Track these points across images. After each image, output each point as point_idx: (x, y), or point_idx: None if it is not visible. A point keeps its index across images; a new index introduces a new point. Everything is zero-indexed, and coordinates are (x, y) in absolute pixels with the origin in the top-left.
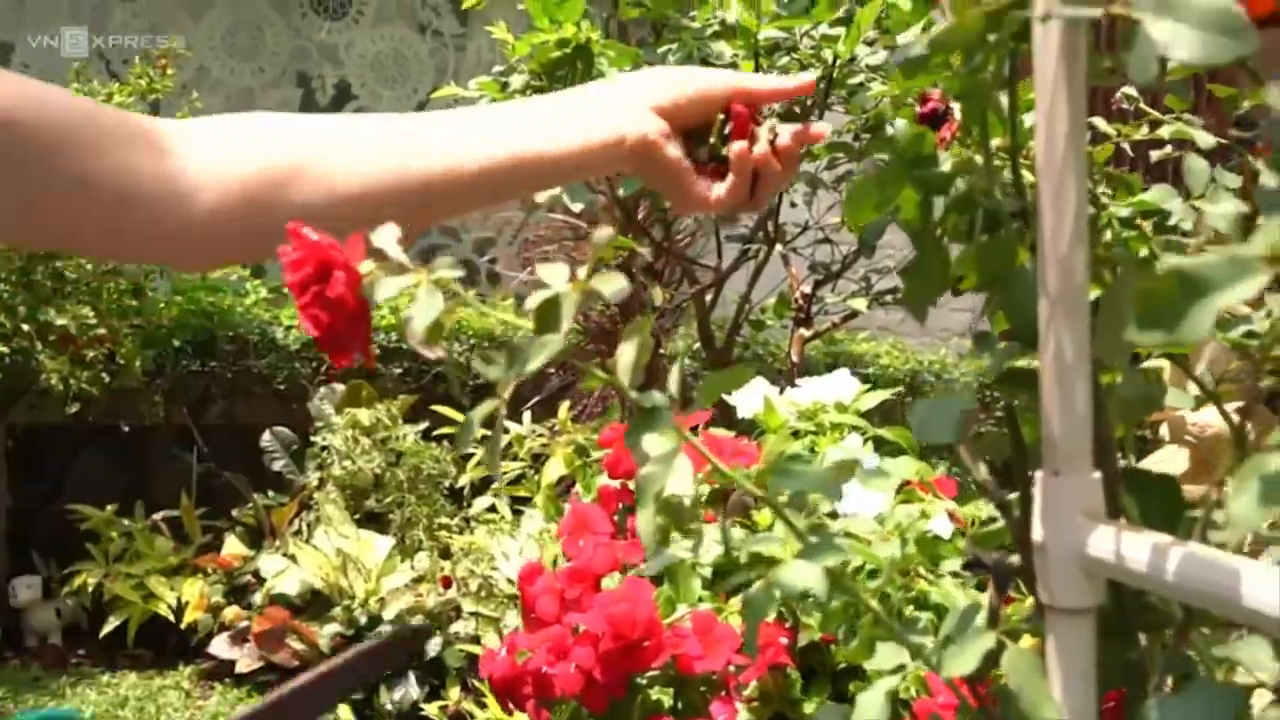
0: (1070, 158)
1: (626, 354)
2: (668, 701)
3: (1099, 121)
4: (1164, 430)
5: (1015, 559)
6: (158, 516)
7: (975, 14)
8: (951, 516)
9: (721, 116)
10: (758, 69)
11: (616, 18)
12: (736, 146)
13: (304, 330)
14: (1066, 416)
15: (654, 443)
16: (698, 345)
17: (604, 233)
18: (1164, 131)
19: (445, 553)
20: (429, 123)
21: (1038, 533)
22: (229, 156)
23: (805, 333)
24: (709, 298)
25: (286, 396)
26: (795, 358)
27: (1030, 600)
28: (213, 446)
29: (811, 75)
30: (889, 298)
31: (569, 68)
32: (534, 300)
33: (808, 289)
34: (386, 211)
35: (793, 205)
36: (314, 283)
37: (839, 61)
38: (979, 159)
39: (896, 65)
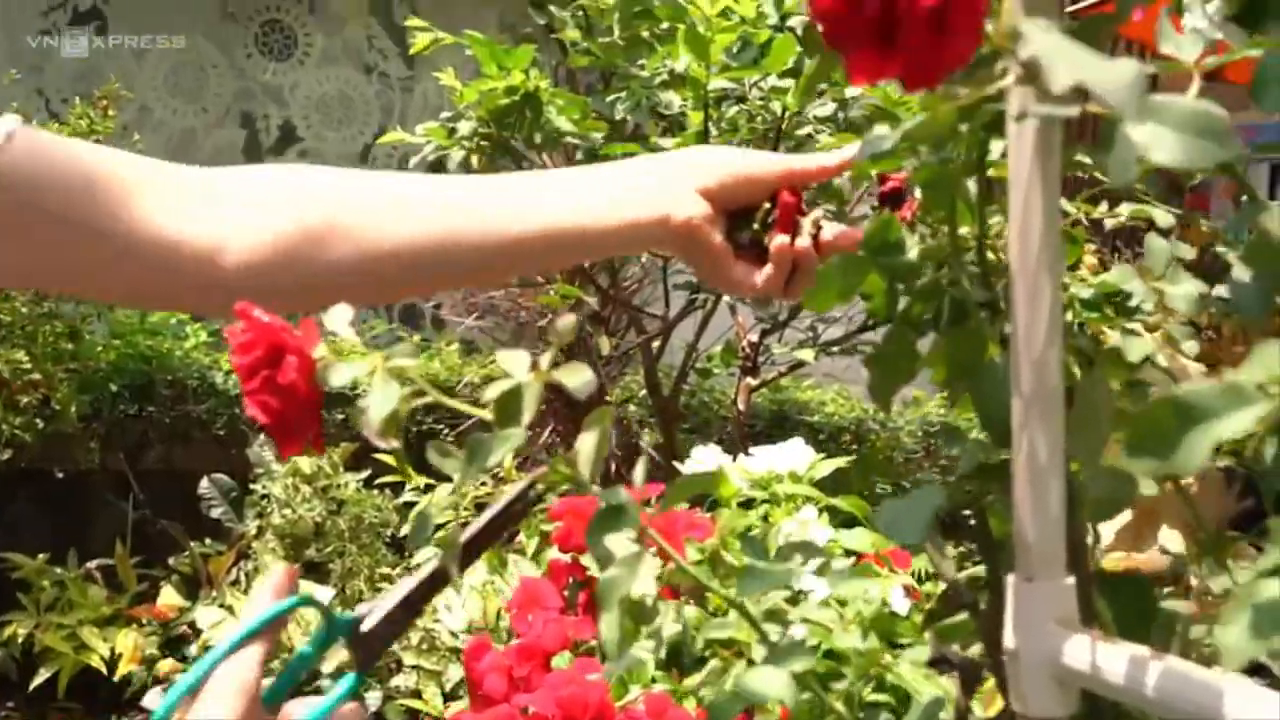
0: (1045, 256)
1: (586, 445)
2: None
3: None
4: None
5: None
6: (91, 565)
7: (948, 109)
8: (908, 591)
9: (767, 205)
10: (706, 119)
11: (565, 65)
12: (779, 240)
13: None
14: (1040, 520)
15: (618, 543)
16: (644, 393)
17: (567, 320)
18: (1123, 210)
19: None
20: (475, 187)
21: (1010, 640)
22: (262, 211)
23: (752, 381)
24: (656, 346)
25: (226, 442)
26: (742, 406)
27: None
28: (149, 493)
29: (853, 149)
30: (835, 348)
31: (518, 115)
32: (494, 391)
33: (754, 338)
34: (425, 273)
35: None
36: (264, 367)
37: (788, 113)
38: (945, 247)
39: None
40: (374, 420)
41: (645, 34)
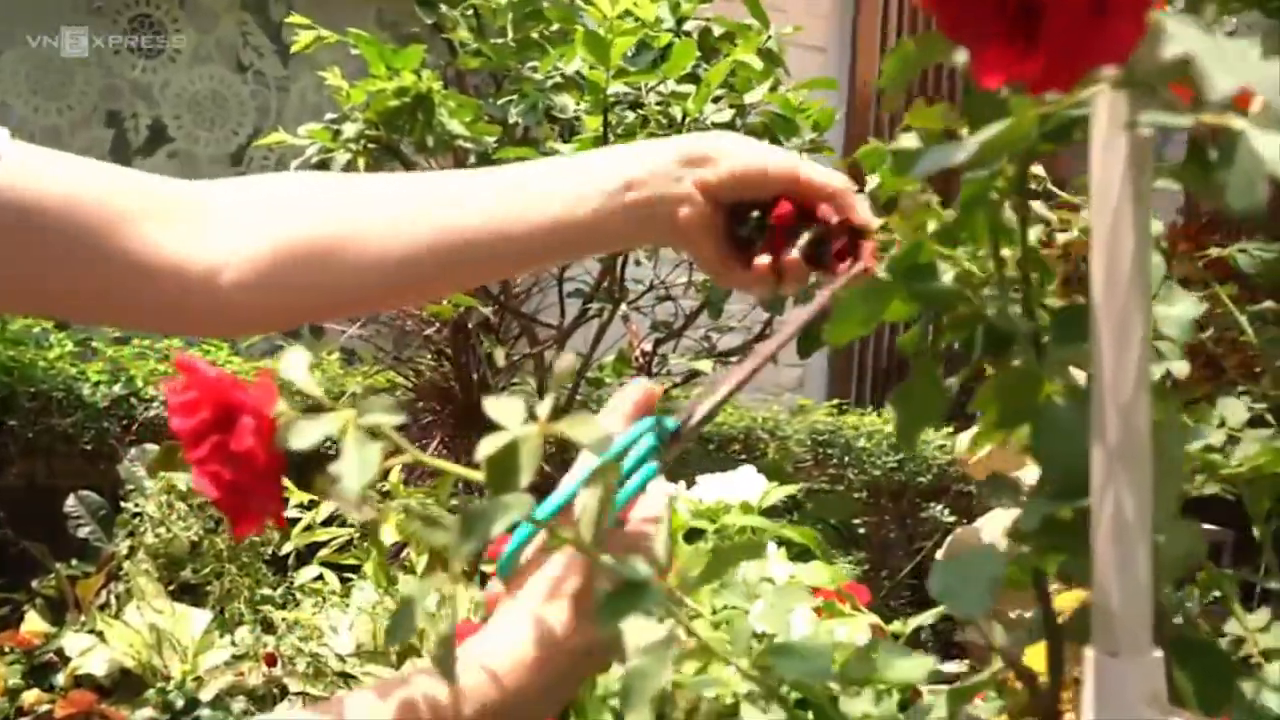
0: (1135, 288)
1: (589, 507)
2: None
3: (1039, 206)
4: None
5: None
6: None
7: (1032, 116)
8: (876, 630)
9: (758, 214)
10: (605, 125)
11: (453, 66)
12: (760, 260)
13: (113, 388)
14: (1127, 587)
15: (643, 630)
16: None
17: (566, 361)
18: None
19: (269, 627)
20: (476, 183)
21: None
22: (262, 228)
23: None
24: (550, 356)
25: (94, 457)
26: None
27: None
28: (10, 511)
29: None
30: (733, 358)
31: (408, 117)
32: (487, 447)
33: (648, 347)
34: (431, 279)
35: (637, 263)
36: (212, 431)
37: (687, 119)
38: (982, 273)
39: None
40: (351, 490)
41: (536, 35)
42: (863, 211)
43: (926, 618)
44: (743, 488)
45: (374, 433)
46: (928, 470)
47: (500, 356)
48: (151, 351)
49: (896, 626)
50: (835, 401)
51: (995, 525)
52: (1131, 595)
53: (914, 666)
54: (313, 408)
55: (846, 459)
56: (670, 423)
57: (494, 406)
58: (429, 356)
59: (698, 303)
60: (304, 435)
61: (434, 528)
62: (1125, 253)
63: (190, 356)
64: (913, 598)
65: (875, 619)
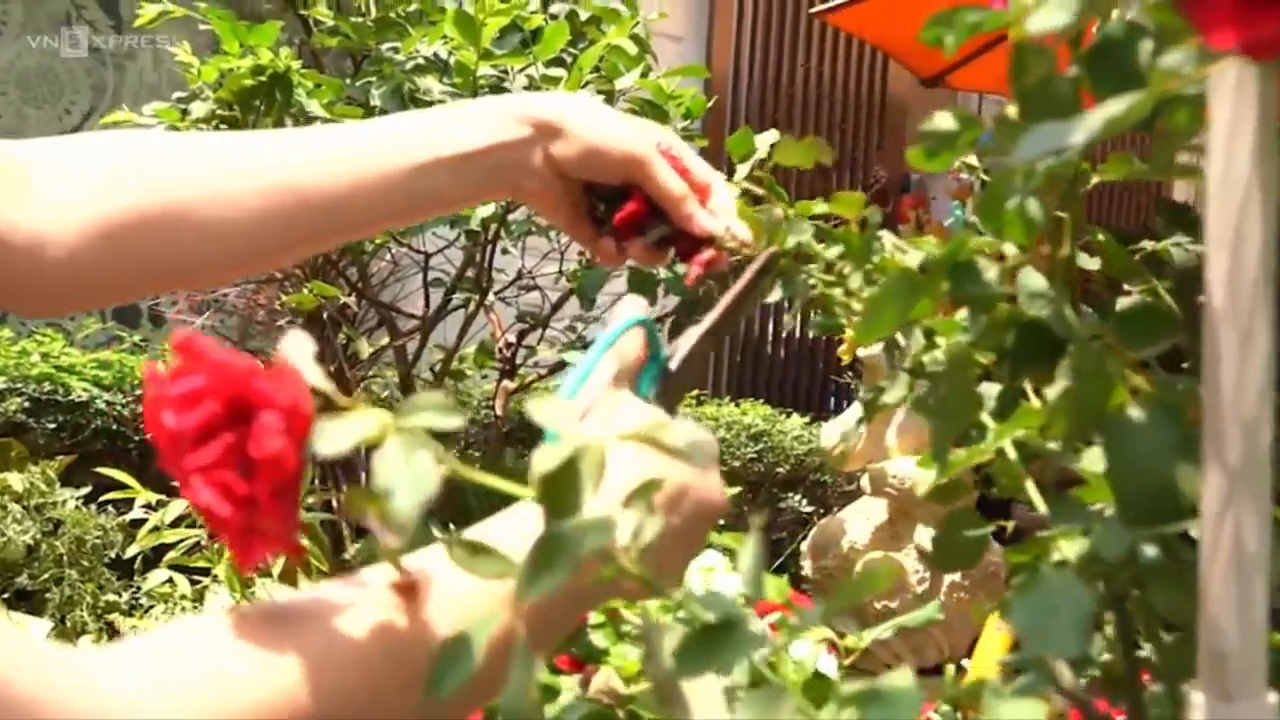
0: (1261, 290)
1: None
2: None
3: None
4: (865, 481)
5: None
6: None
7: (1152, 94)
8: (831, 646)
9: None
10: None
11: (309, 46)
12: (604, 245)
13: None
14: (1245, 624)
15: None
16: (388, 396)
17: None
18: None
19: (115, 635)
20: (320, 136)
21: None
22: (86, 192)
23: (510, 384)
24: (414, 347)
25: None
26: (499, 410)
27: None
28: None
29: (727, 195)
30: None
31: (264, 97)
32: (543, 464)
33: (512, 338)
34: (268, 248)
35: (504, 252)
36: (223, 429)
37: None
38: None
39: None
40: (403, 514)
41: (395, 15)
42: (703, 221)
43: (882, 630)
44: None
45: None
46: (786, 460)
47: (365, 348)
48: None
49: (850, 641)
50: (695, 392)
51: (858, 515)
52: (1249, 634)
53: (908, 699)
54: (324, 406)
55: None
56: (662, 355)
57: (536, 408)
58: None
59: (564, 292)
60: (333, 439)
61: (484, 557)
62: (1252, 251)
63: (192, 336)
64: None
65: (829, 634)
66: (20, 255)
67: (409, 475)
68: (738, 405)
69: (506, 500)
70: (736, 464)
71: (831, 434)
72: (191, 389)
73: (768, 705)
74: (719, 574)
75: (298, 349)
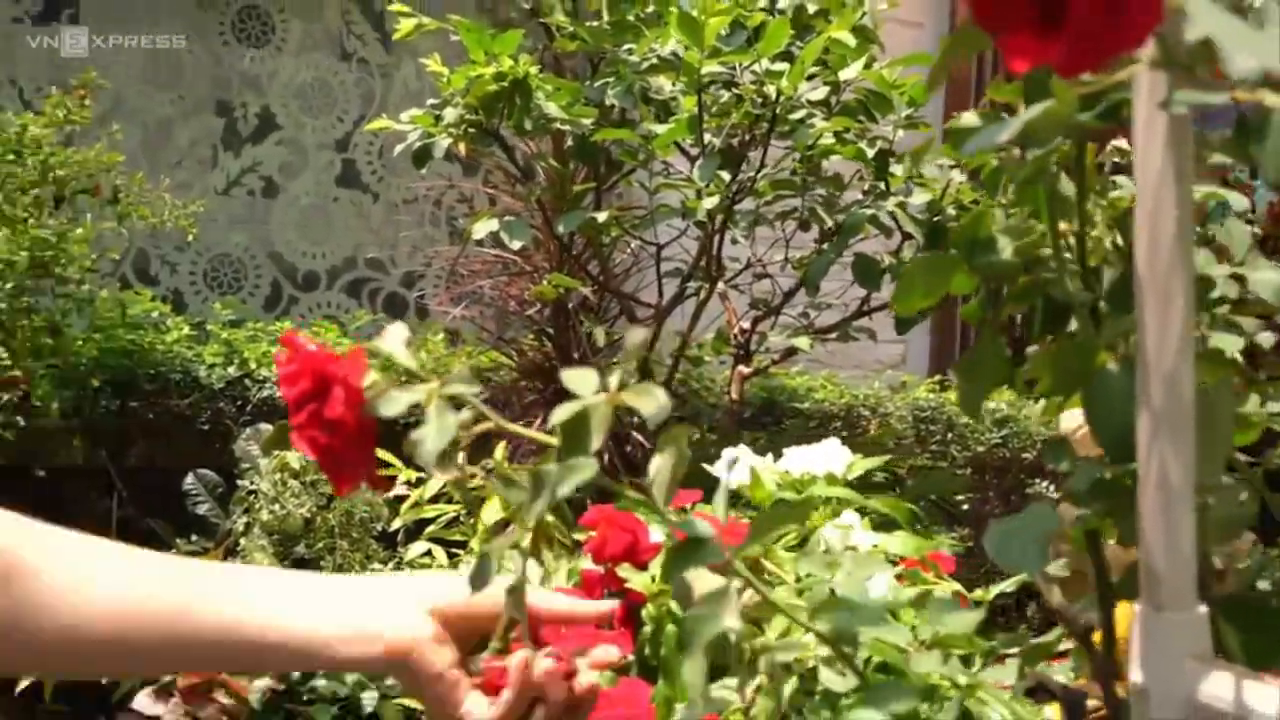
0: (1177, 257)
1: (662, 470)
2: None
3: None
4: None
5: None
6: None
7: (1071, 97)
8: (959, 598)
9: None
10: (700, 105)
11: (551, 50)
12: (516, 658)
13: (228, 370)
14: (1171, 547)
15: (703, 579)
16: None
17: (636, 335)
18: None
19: None
20: (189, 573)
21: (1136, 675)
22: None
23: (745, 369)
24: (648, 334)
25: (210, 437)
26: (735, 394)
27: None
28: (133, 490)
29: (611, 604)
30: (831, 335)
31: (506, 102)
32: (560, 414)
33: (746, 325)
34: (127, 657)
35: (734, 241)
36: (310, 400)
37: (781, 97)
38: (1042, 242)
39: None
40: (430, 453)
41: (631, 18)
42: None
43: (1008, 585)
44: (828, 459)
45: (459, 403)
46: (1032, 446)
47: (601, 336)
48: (264, 334)
49: (979, 594)
50: (937, 378)
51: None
52: (1175, 554)
53: (965, 620)
54: (408, 379)
55: (949, 435)
56: None
57: (570, 377)
58: (530, 337)
59: (795, 280)
60: (393, 404)
61: (512, 488)
62: (1168, 225)
63: (293, 333)
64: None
65: (957, 586)
66: None
67: (437, 427)
68: None
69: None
70: (980, 449)
71: (1071, 416)
72: (290, 371)
73: (717, 606)
74: (855, 530)
75: (393, 336)
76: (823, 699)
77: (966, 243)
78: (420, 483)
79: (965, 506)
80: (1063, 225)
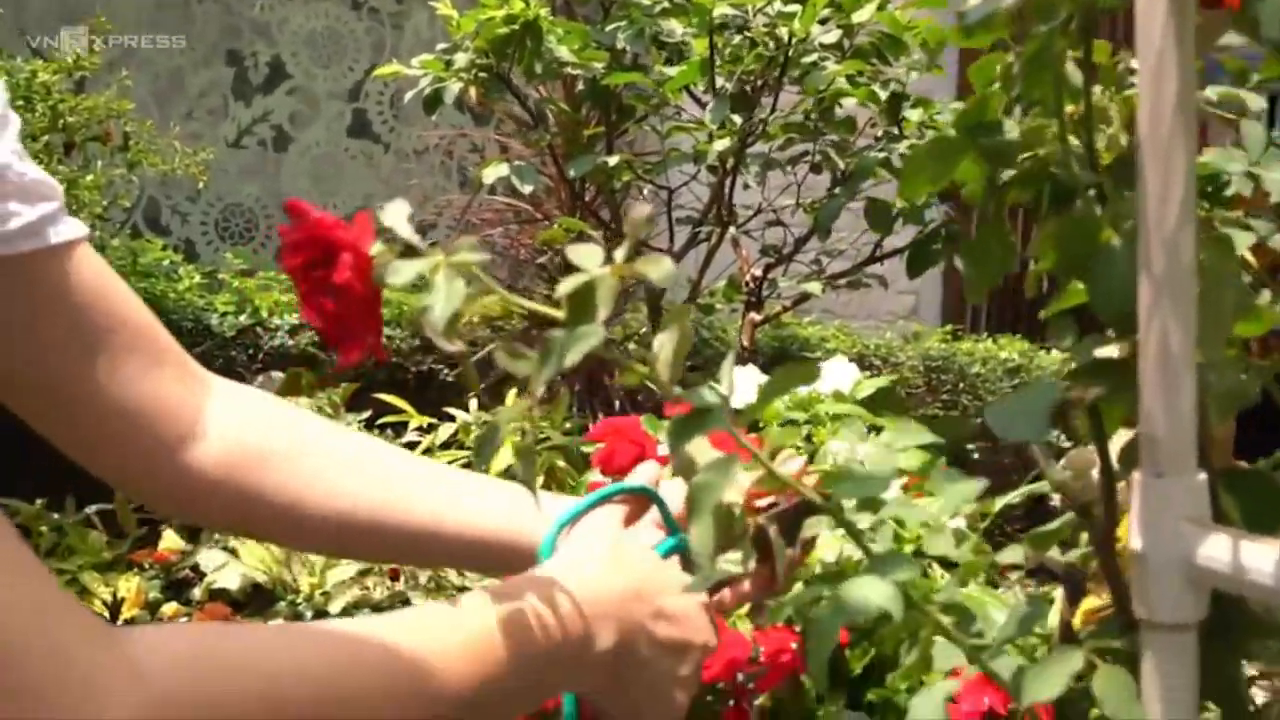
0: (1179, 125)
1: (666, 346)
2: None
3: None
4: None
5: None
6: (90, 510)
7: None
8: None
9: None
10: (712, 48)
11: None
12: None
13: (239, 318)
14: (1171, 412)
15: (705, 454)
16: (644, 330)
17: (641, 211)
18: (1210, 93)
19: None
20: (437, 477)
21: (1136, 540)
22: (239, 416)
23: (756, 316)
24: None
25: None
26: (746, 342)
27: (1087, 605)
28: None
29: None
30: (842, 281)
31: (517, 45)
32: (566, 286)
33: (758, 272)
34: (341, 539)
35: (745, 187)
36: (317, 267)
37: (794, 40)
38: (1050, 129)
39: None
40: (438, 320)
41: None
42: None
43: (1013, 496)
44: (836, 378)
45: (466, 276)
46: None
47: None
48: (275, 283)
49: (984, 506)
50: (949, 328)
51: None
52: (1176, 419)
53: (966, 488)
54: (407, 253)
55: (961, 385)
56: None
57: (574, 251)
58: (543, 285)
59: (807, 227)
60: (400, 273)
61: (518, 358)
62: (1169, 90)
63: (298, 201)
64: (1028, 523)
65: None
66: (185, 437)
67: (445, 294)
68: (995, 341)
69: None
70: (991, 398)
71: None
72: (297, 239)
73: (721, 472)
74: (860, 444)
75: (394, 211)
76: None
77: (971, 125)
78: (431, 429)
79: (976, 456)
80: (1069, 108)
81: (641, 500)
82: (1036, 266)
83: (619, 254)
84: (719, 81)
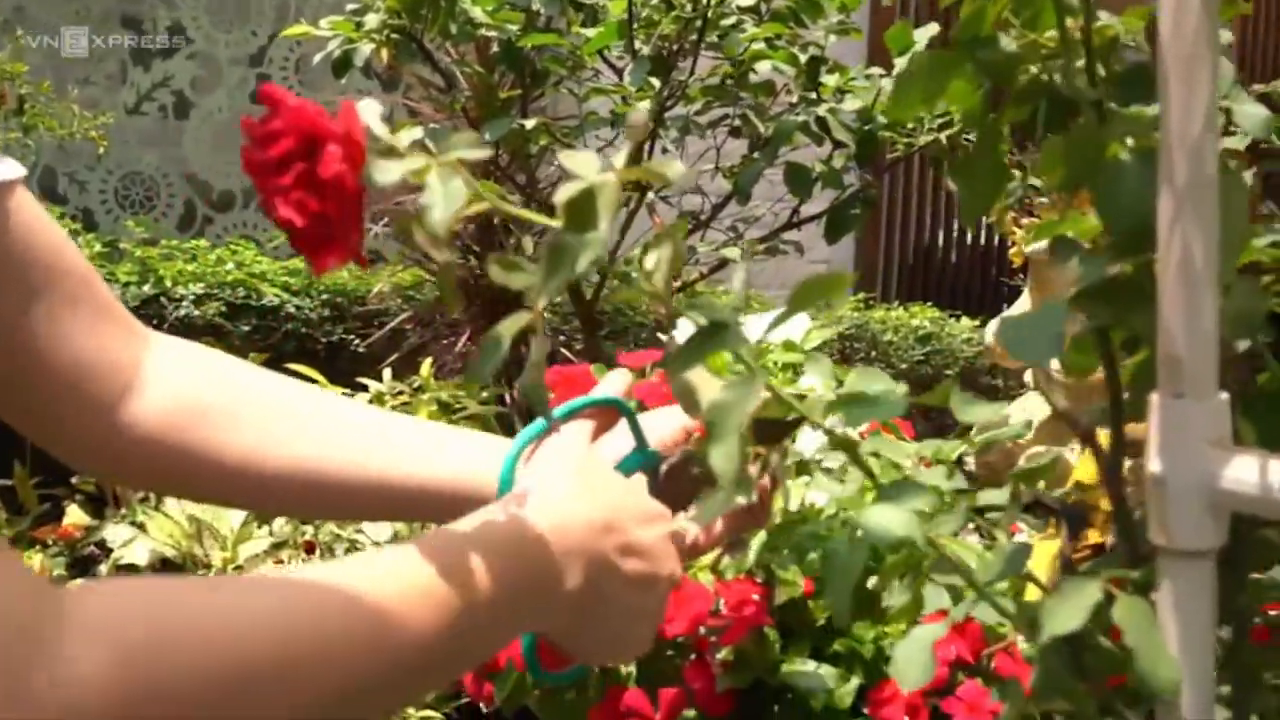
0: (1203, 27)
1: (661, 261)
2: (631, 669)
3: None
4: (1028, 376)
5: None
6: None
7: None
8: (922, 461)
9: None
10: (630, 10)
11: None
12: None
13: (143, 288)
14: (1193, 330)
15: (706, 382)
16: (559, 299)
17: (638, 117)
18: None
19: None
20: (391, 427)
21: (1155, 464)
22: (184, 370)
23: (674, 283)
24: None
25: None
26: (663, 311)
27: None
28: None
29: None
30: (761, 246)
31: (430, 6)
32: (564, 193)
33: None
34: (305, 498)
35: (664, 151)
36: (298, 159)
37: (711, 2)
38: (1045, 44)
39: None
40: (439, 223)
41: None
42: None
43: (963, 445)
44: (787, 328)
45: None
46: (954, 362)
47: (529, 246)
48: (179, 252)
49: (941, 452)
50: (861, 296)
51: (1021, 411)
52: (1198, 337)
53: (988, 409)
54: (385, 153)
55: (873, 353)
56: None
57: (568, 157)
58: (456, 253)
59: (725, 193)
60: (386, 171)
61: (513, 270)
62: None
63: (273, 86)
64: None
65: (918, 447)
66: (108, 393)
67: (443, 195)
68: (906, 309)
69: None
70: (904, 366)
71: (996, 330)
72: (273, 127)
73: (743, 390)
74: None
75: (367, 109)
76: (821, 512)
77: (968, 40)
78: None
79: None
80: (1069, 22)
81: (610, 413)
82: (1045, 183)
83: (618, 159)
84: (636, 44)
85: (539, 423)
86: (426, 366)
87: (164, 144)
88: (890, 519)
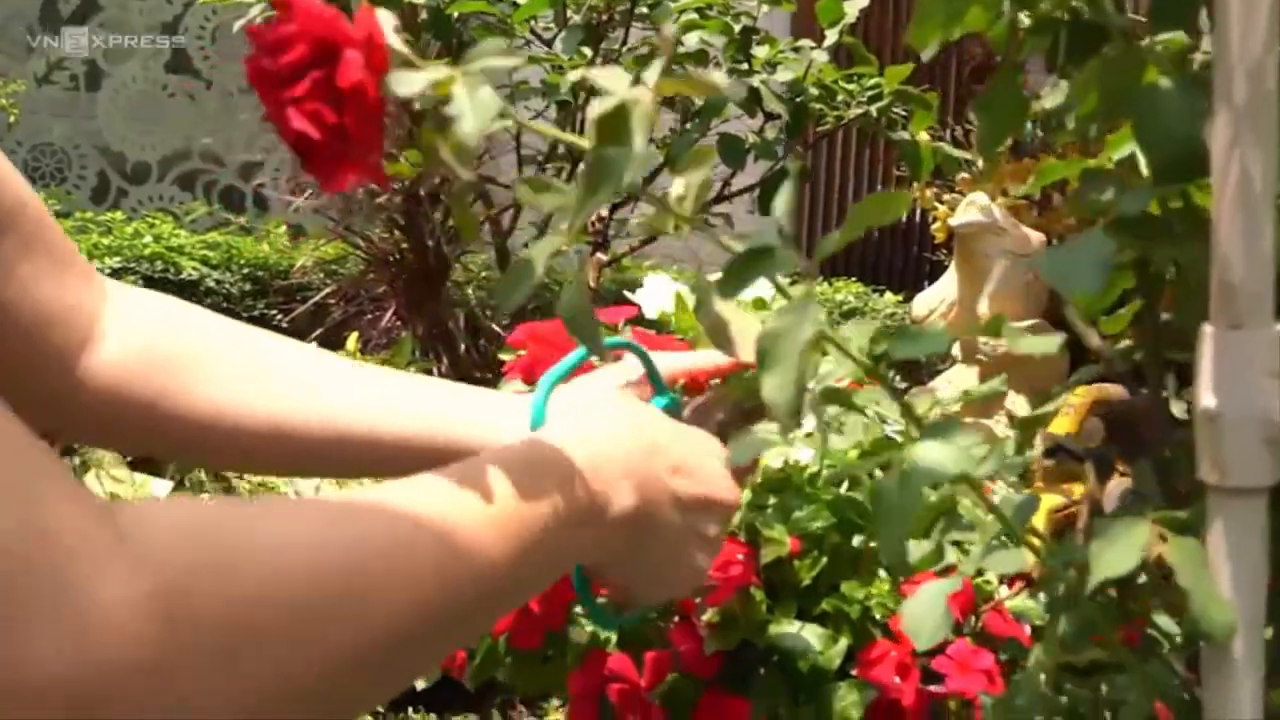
0: None
1: (691, 185)
2: (613, 633)
3: None
4: (955, 349)
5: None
6: None
7: None
8: None
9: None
10: None
11: None
12: None
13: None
14: (1251, 256)
15: (736, 316)
16: (485, 273)
17: (669, 28)
18: None
19: (231, 493)
20: (371, 380)
21: (1208, 398)
22: (149, 320)
23: (603, 257)
24: (507, 220)
25: None
26: (592, 283)
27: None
28: None
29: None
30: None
31: None
32: (596, 108)
33: (604, 211)
34: (275, 450)
35: None
36: (313, 67)
37: None
38: None
39: None
40: (470, 135)
41: None
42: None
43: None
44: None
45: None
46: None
47: (462, 222)
48: (93, 225)
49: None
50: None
51: (948, 385)
52: (1256, 265)
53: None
54: (402, 65)
55: None
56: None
57: (599, 74)
58: (379, 227)
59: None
60: (408, 83)
61: (544, 191)
62: None
63: None
64: None
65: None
66: (70, 344)
67: (473, 104)
68: (830, 284)
69: None
70: None
71: (923, 305)
72: (285, 33)
73: (799, 315)
74: None
75: (381, 18)
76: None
77: None
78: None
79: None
80: None
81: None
82: (1079, 110)
83: (649, 74)
84: (569, 14)
85: (562, 363)
86: (353, 341)
87: (75, 115)
88: (944, 455)
